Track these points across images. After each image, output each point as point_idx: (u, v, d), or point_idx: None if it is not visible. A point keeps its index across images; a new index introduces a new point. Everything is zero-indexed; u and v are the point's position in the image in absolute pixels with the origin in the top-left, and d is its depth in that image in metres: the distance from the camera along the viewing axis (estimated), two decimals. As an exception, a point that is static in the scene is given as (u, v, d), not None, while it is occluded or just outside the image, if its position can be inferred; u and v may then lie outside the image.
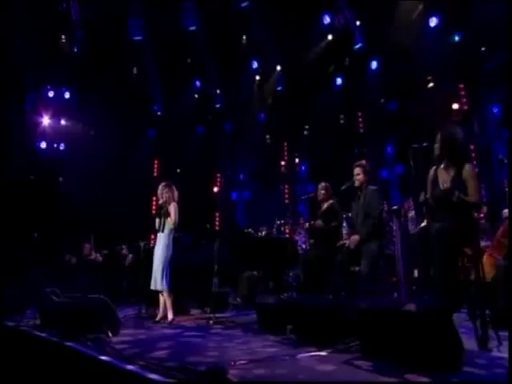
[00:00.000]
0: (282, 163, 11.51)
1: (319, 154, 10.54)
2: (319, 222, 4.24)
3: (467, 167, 2.86)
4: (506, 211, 4.26)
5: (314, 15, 9.34)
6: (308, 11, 9.30)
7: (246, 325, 4.06)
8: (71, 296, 3.61)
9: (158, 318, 4.44)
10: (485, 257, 4.12)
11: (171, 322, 4.31)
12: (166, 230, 4.53)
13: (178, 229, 4.70)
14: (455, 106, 8.25)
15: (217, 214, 10.83)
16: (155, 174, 10.64)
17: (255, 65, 10.44)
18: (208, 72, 10.62)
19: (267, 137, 11.39)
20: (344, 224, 4.35)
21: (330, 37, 9.54)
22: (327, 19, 9.27)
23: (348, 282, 3.63)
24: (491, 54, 7.56)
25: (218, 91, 10.99)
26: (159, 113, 10.96)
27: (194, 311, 5.66)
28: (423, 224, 3.76)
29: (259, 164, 11.39)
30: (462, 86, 8.10)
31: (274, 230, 6.91)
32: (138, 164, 10.16)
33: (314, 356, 2.45)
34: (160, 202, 4.62)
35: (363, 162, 3.95)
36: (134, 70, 10.47)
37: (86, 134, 9.68)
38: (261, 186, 11.56)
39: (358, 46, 9.36)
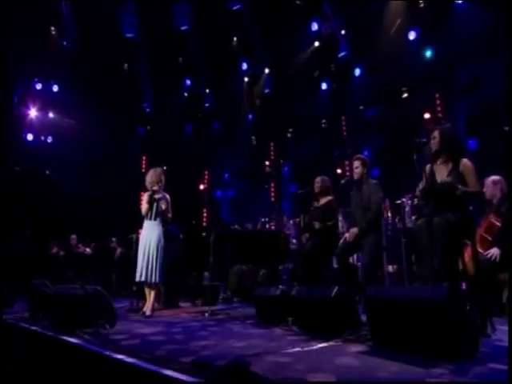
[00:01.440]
0: (267, 163, 11.41)
1: (302, 155, 10.54)
2: (316, 224, 4.10)
3: (464, 161, 2.87)
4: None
5: (304, 22, 9.29)
6: (297, 17, 9.26)
7: (244, 317, 3.89)
8: (64, 287, 3.30)
9: (143, 311, 4.06)
10: (467, 251, 4.22)
11: (149, 316, 3.93)
12: (158, 219, 4.21)
13: (169, 221, 4.44)
14: (427, 116, 8.42)
15: (204, 211, 10.55)
16: (143, 170, 10.24)
17: (245, 66, 10.27)
18: (199, 71, 10.37)
19: (253, 138, 11.25)
20: (340, 218, 4.26)
21: (316, 43, 9.53)
22: (315, 26, 9.24)
23: (347, 274, 3.52)
24: (463, 66, 7.72)
25: (207, 91, 10.75)
26: (149, 110, 10.58)
27: (184, 304, 5.43)
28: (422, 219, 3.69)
29: (244, 163, 11.24)
30: (437, 95, 8.21)
31: (259, 227, 6.77)
32: (127, 159, 9.76)
33: (326, 347, 2.33)
34: (155, 187, 4.19)
35: (362, 155, 3.84)
36: (125, 67, 10.07)
37: (74, 128, 9.20)
38: (245, 184, 11.42)
39: (342, 54, 9.40)
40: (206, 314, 4.08)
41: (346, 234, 3.70)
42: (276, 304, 3.33)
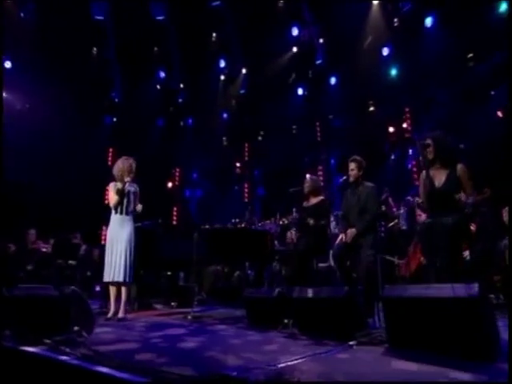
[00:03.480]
0: (238, 164, 11.15)
1: (272, 159, 10.43)
2: (311, 221, 3.93)
3: (460, 166, 2.90)
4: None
5: (284, 25, 9.18)
6: (279, 21, 9.13)
7: (232, 320, 3.58)
8: (29, 287, 2.72)
9: (109, 315, 3.58)
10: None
11: (122, 319, 3.51)
12: (131, 214, 3.76)
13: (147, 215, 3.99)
14: (391, 129, 8.73)
15: (174, 209, 9.96)
16: (109, 163, 9.40)
17: (223, 64, 9.91)
18: (174, 64, 9.80)
19: (224, 138, 10.91)
20: (332, 219, 4.12)
21: (295, 48, 9.49)
22: (296, 31, 9.18)
23: (346, 275, 3.37)
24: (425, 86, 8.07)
25: (182, 85, 10.20)
26: (118, 100, 9.78)
27: (157, 306, 4.94)
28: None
29: (214, 163, 10.84)
30: (407, 109, 8.48)
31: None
32: (92, 150, 8.88)
33: (349, 351, 2.17)
34: (127, 179, 3.71)
35: (358, 157, 3.73)
36: (94, 51, 9.20)
37: (33, 113, 8.16)
38: (214, 185, 11.04)
39: (318, 62, 9.44)
40: (189, 317, 3.72)
41: (342, 235, 3.59)
42: (273, 305, 3.10)
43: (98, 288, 5.73)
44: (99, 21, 8.87)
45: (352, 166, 3.59)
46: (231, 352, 2.17)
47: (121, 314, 3.57)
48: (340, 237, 3.58)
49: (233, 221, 7.06)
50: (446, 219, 2.80)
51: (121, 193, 3.72)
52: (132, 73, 9.45)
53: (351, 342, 2.33)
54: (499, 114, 6.98)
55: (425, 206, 3.11)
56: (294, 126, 10.14)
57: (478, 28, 6.95)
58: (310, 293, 2.80)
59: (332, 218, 4.18)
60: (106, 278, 3.62)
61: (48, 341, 2.15)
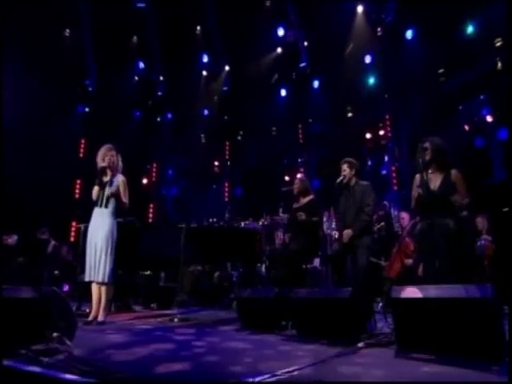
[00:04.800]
0: (216, 163, 10.87)
1: (249, 159, 10.28)
2: (303, 216, 3.81)
3: (454, 172, 2.98)
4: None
5: (271, 25, 9.07)
6: (265, 19, 8.99)
7: (222, 322, 3.35)
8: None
9: (90, 318, 3.27)
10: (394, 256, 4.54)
11: (102, 322, 3.22)
12: (111, 207, 3.42)
13: (128, 210, 3.66)
14: (368, 136, 8.92)
15: (150, 206, 9.45)
16: (81, 155, 8.75)
17: (206, 59, 9.58)
18: (154, 55, 9.32)
19: (202, 135, 10.58)
20: (324, 219, 4.03)
21: (279, 49, 9.41)
22: (281, 31, 9.09)
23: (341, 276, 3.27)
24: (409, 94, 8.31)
25: (161, 78, 9.74)
26: (92, 89, 9.13)
27: (136, 308, 4.58)
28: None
29: (191, 161, 10.47)
30: (387, 117, 8.66)
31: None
32: (62, 140, 8.17)
33: (355, 353, 2.07)
34: (102, 164, 3.42)
35: (350, 159, 3.69)
36: (67, 33, 8.48)
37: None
38: (190, 183, 10.68)
39: (302, 65, 9.42)
40: (176, 320, 3.45)
41: (336, 232, 3.55)
42: (270, 307, 2.92)
43: (66, 288, 5.27)
44: (74, 1, 8.21)
45: (344, 167, 3.60)
46: (235, 358, 1.97)
47: (101, 318, 3.25)
48: (334, 234, 3.51)
49: (210, 221, 6.81)
50: (446, 221, 2.84)
51: (98, 184, 3.42)
52: (108, 61, 8.85)
53: (359, 344, 2.28)
54: (466, 127, 7.35)
55: (417, 208, 3.11)
56: (274, 128, 10.08)
57: (451, 45, 7.27)
58: (312, 293, 2.68)
59: (325, 219, 4.08)
60: (86, 277, 3.30)
61: (24, 351, 1.81)
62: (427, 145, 3.02)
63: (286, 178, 9.83)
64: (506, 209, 4.79)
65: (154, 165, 10.04)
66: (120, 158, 3.62)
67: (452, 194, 2.87)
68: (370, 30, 8.47)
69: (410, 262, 4.87)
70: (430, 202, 2.91)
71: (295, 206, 4.19)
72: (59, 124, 8.24)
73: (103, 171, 3.44)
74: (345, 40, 8.71)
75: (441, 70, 7.62)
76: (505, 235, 4.43)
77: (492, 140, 6.93)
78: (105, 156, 3.49)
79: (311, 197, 4.13)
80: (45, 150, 7.50)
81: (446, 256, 2.78)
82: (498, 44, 6.94)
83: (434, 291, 2.10)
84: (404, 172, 8.15)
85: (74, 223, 7.48)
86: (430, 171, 3.00)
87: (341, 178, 3.56)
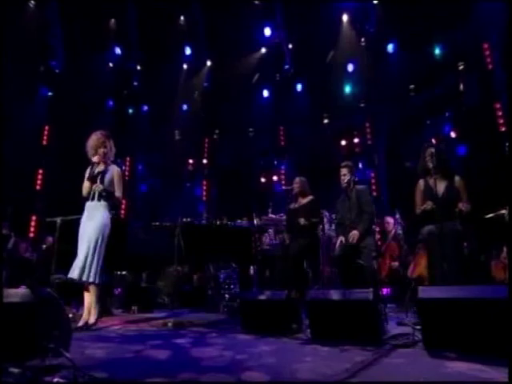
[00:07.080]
0: (190, 161, 10.44)
1: (224, 159, 10.05)
2: (302, 220, 3.73)
3: (458, 179, 3.09)
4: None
5: (257, 24, 8.92)
6: (251, 18, 8.83)
7: (221, 325, 3.11)
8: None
9: (81, 323, 2.92)
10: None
11: (92, 325, 2.93)
12: (104, 201, 3.09)
13: (119, 205, 3.31)
14: (343, 142, 9.12)
15: (123, 202, 8.75)
16: (44, 143, 7.87)
17: (188, 51, 9.17)
18: (132, 42, 8.73)
19: (176, 131, 10.13)
20: (325, 221, 3.94)
21: (264, 49, 9.29)
22: (268, 31, 8.98)
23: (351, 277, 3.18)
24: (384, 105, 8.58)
25: (138, 67, 9.15)
26: (58, 71, 8.29)
27: (116, 311, 4.13)
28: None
29: (164, 157, 9.96)
30: (367, 124, 8.84)
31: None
32: (22, 126, 7.29)
33: (387, 355, 1.99)
34: (95, 158, 3.11)
35: (349, 162, 3.67)
36: (31, 5, 7.62)
37: None
38: (161, 181, 10.16)
39: (286, 67, 9.38)
40: (170, 324, 3.12)
41: (341, 238, 3.46)
42: (280, 310, 2.75)
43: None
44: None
45: (344, 171, 3.57)
46: (262, 365, 1.73)
47: (92, 319, 2.94)
48: (339, 240, 3.42)
49: (184, 220, 6.46)
50: (455, 226, 2.94)
51: (89, 177, 3.10)
52: (79, 42, 8.11)
53: (387, 347, 2.22)
54: (433, 140, 7.78)
55: (421, 213, 3.11)
56: (251, 129, 9.91)
57: (423, 63, 7.68)
58: (332, 295, 2.53)
59: (325, 220, 3.99)
60: (70, 273, 2.93)
61: (17, 370, 1.42)
62: (431, 151, 3.06)
63: (262, 180, 9.72)
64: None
65: (128, 159, 9.35)
66: (113, 144, 3.24)
67: (457, 199, 2.95)
68: (355, 39, 8.67)
69: (396, 264, 5.00)
70: (437, 208, 2.95)
71: (294, 206, 4.08)
72: (20, 107, 7.36)
73: (94, 164, 3.12)
74: (330, 47, 8.83)
75: (411, 86, 7.99)
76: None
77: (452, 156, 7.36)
78: (97, 148, 3.14)
79: (311, 197, 4.04)
80: (3, 136, 6.62)
81: (455, 259, 2.84)
82: (461, 67, 7.52)
83: (459, 292, 2.09)
84: (382, 178, 8.40)
85: (33, 217, 6.67)
86: (433, 178, 3.03)
87: (345, 183, 3.50)
